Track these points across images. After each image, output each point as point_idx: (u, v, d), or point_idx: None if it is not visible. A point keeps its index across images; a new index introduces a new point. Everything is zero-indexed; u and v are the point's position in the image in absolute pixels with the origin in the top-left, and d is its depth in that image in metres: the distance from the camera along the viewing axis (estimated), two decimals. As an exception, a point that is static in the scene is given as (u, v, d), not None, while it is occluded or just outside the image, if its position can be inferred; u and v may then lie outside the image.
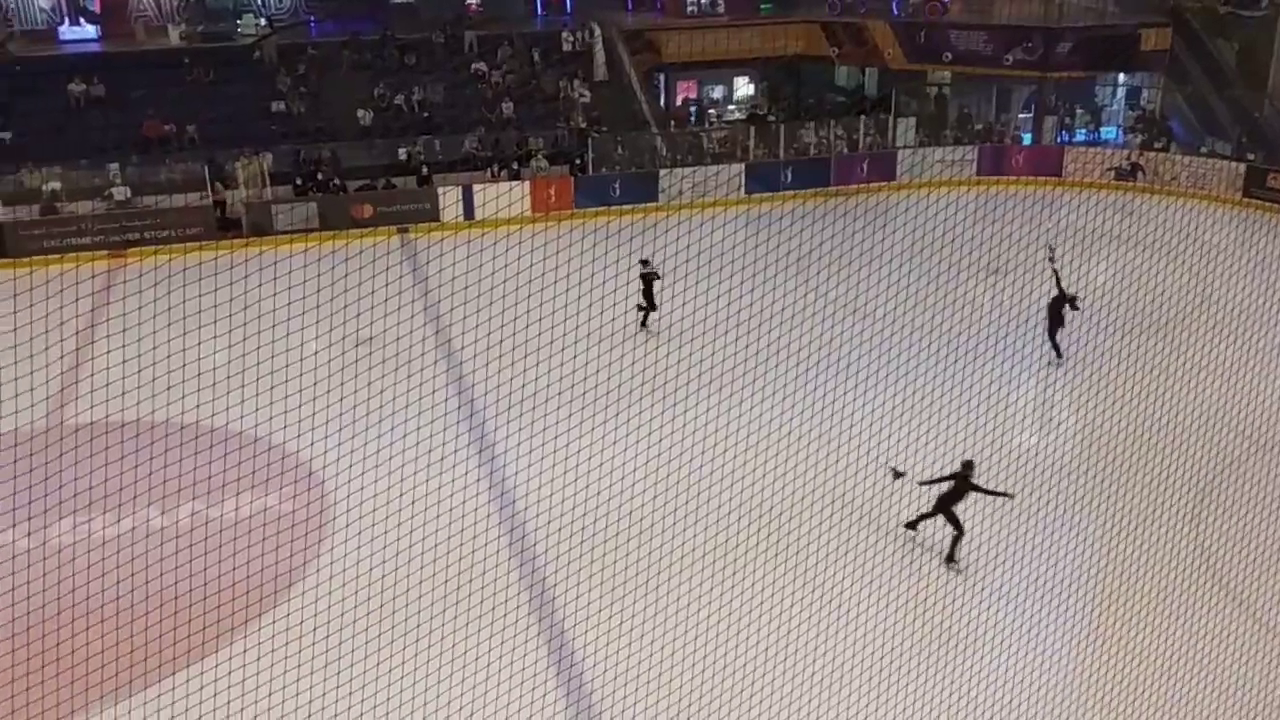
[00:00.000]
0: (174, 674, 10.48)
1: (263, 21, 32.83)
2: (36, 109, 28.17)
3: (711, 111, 34.31)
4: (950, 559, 13.09)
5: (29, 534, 12.81)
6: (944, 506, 13.02)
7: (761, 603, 11.70)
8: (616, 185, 28.56)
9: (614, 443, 14.76)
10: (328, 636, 10.68)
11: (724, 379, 16.91)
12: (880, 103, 32.74)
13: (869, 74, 34.95)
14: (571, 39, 32.38)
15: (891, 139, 31.05)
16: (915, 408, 16.07)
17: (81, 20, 32.31)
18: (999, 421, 15.44)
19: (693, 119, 33.73)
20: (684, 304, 18.87)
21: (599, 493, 13.52)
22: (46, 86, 28.64)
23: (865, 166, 30.18)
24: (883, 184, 29.83)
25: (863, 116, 31.54)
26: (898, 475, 13.21)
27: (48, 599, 10.70)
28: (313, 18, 33.83)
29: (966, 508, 13.05)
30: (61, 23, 32.27)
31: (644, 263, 18.75)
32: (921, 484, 13.25)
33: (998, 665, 11.12)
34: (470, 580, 11.72)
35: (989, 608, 12.18)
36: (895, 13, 33.61)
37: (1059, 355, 18.90)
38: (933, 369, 17.16)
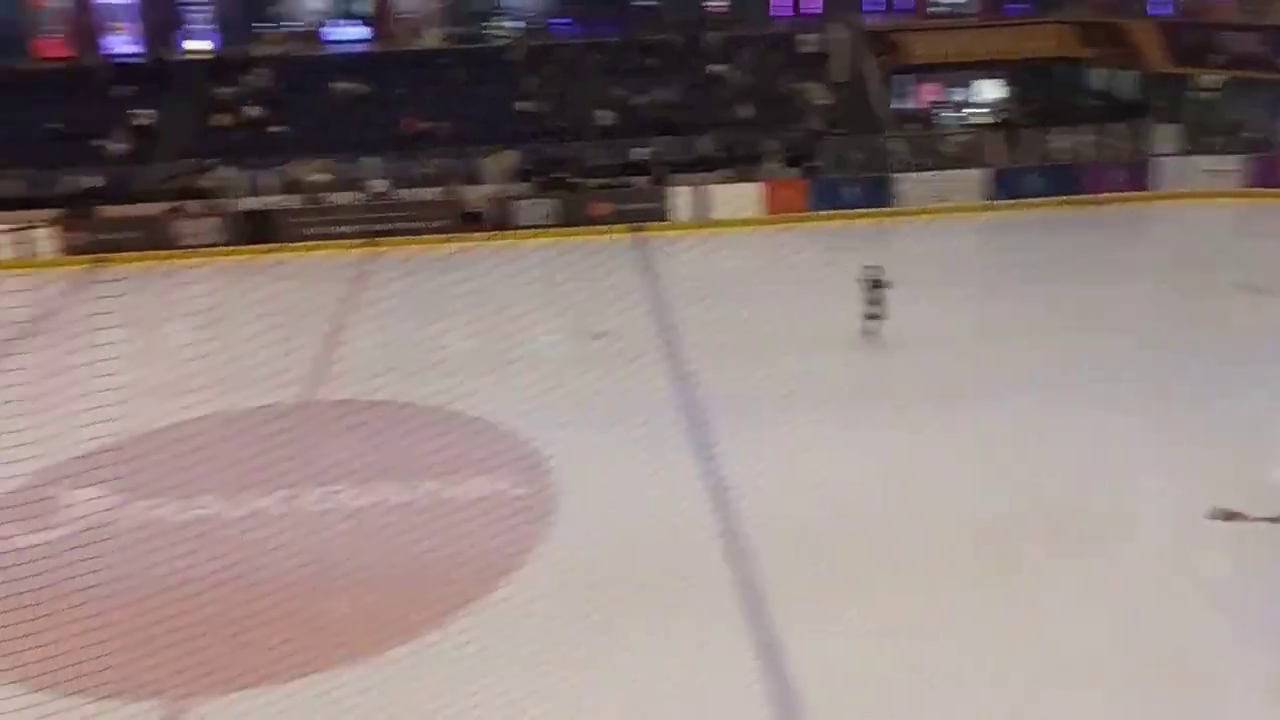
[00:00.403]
0: (404, 643, 11.00)
1: (515, 24, 34.15)
2: (307, 105, 30.27)
3: (954, 114, 33.29)
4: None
5: (284, 500, 13.73)
6: None
7: (978, 620, 11.25)
8: (851, 189, 28.14)
9: (836, 450, 14.55)
10: (547, 619, 10.99)
11: (953, 391, 16.38)
12: (1138, 107, 30.94)
13: (1126, 77, 33.05)
14: (810, 40, 32.12)
15: (1150, 146, 29.28)
16: (1157, 431, 15.09)
17: (350, 22, 34.49)
18: (1260, 452, 14.31)
19: (934, 122, 32.83)
20: (916, 312, 18.41)
21: (818, 499, 13.37)
22: (319, 83, 30.74)
23: (1119, 174, 28.58)
24: (1138, 193, 28.16)
25: (1120, 122, 29.87)
26: (1229, 517, 11.63)
27: (295, 561, 11.49)
28: (560, 20, 34.92)
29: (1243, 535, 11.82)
30: (332, 23, 34.53)
31: (873, 269, 18.38)
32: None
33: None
34: (683, 577, 11.81)
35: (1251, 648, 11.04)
36: (1161, 12, 31.67)
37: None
38: (1182, 391, 16.09)
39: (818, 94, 30.62)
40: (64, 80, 31.03)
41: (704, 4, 34.34)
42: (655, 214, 27.64)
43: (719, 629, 11.08)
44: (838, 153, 28.85)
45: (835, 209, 27.49)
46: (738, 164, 28.71)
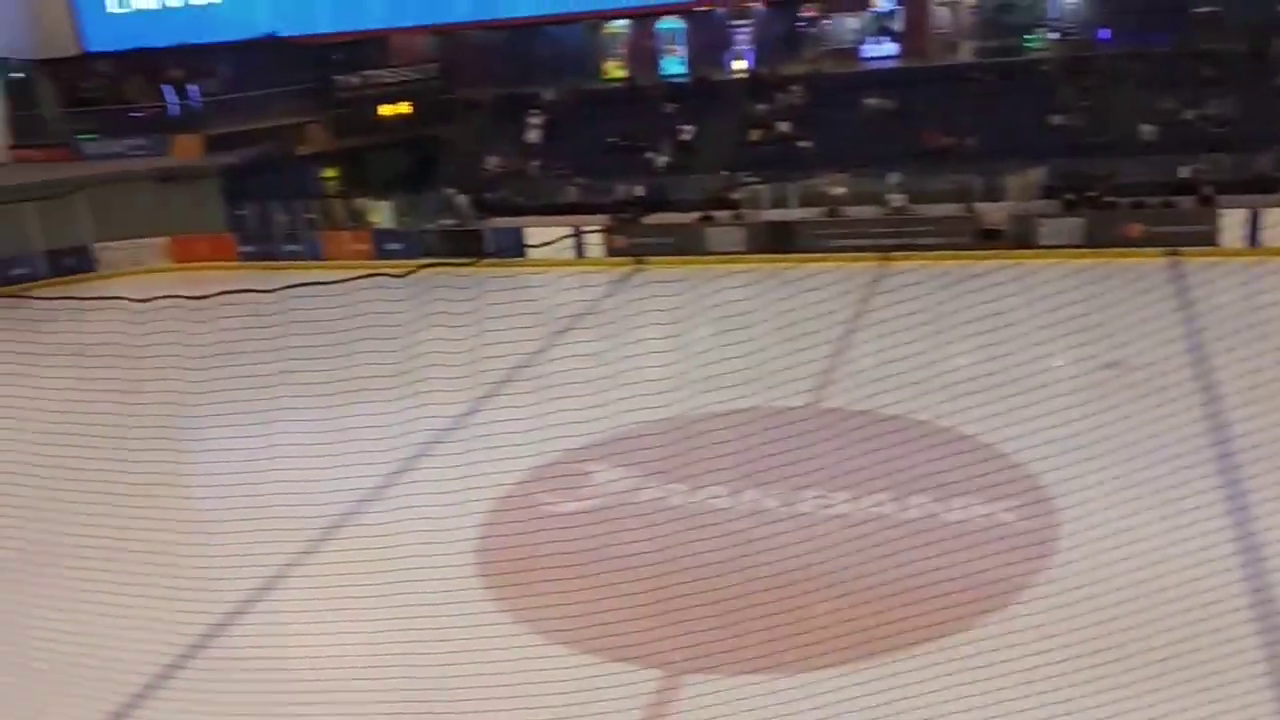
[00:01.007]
0: (874, 655, 11.09)
1: (1053, 35, 32.78)
2: (835, 120, 31.18)
3: None
4: None
5: (777, 496, 14.37)
6: None
7: None
8: None
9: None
10: (1035, 662, 10.55)
11: None
12: None
13: None
14: None
15: None
16: None
17: (884, 39, 35.00)
18: None
19: None
20: None
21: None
22: (846, 99, 31.56)
23: None
24: None
25: None
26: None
27: (788, 560, 12.00)
28: (1104, 30, 32.97)
29: None
30: (866, 42, 35.25)
31: None
32: None
33: None
34: (1202, 637, 10.77)
35: None
36: None
37: None
38: None
39: None
40: (624, 97, 34.60)
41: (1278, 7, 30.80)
42: (1198, 237, 25.26)
43: (1238, 703, 9.99)
44: None
45: None
46: (1304, 185, 25.46)
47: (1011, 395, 14.46)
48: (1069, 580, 12.00)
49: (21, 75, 37.12)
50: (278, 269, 30.99)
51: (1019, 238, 26.39)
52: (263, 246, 32.79)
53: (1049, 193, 27.41)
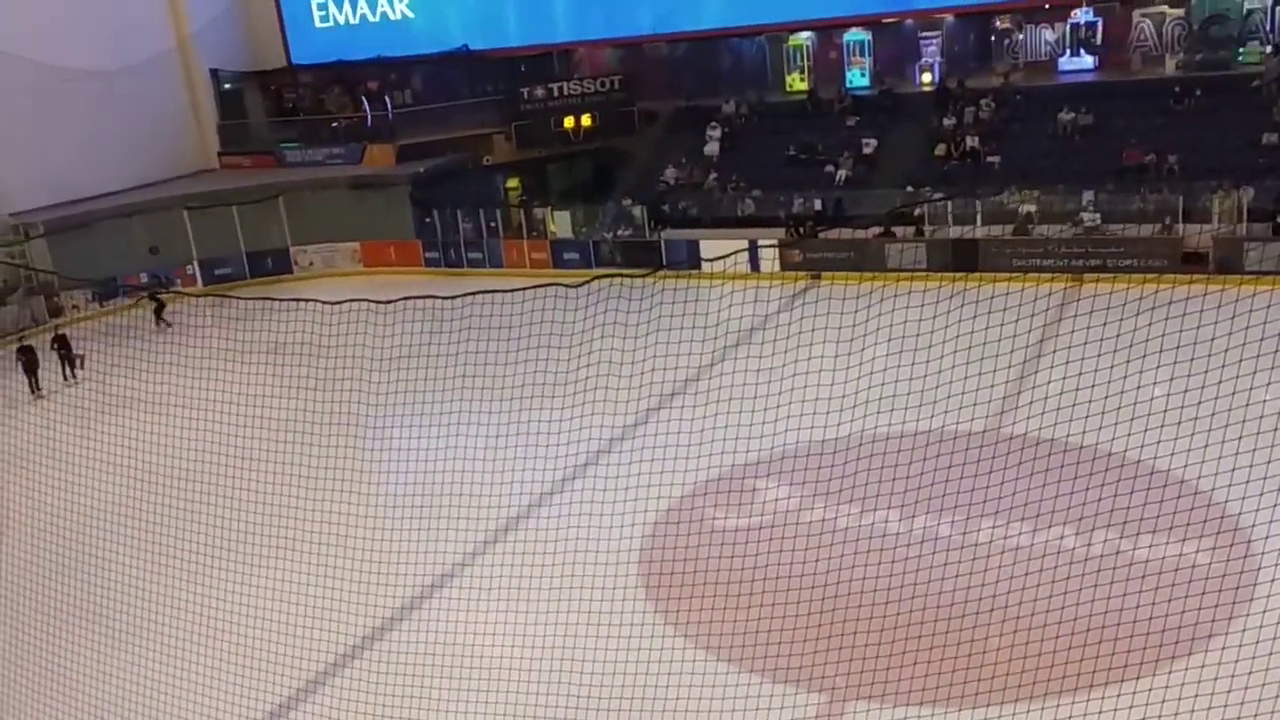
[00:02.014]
0: (1048, 695, 10.58)
1: (1268, 49, 30.82)
2: (1027, 135, 30.10)
3: None
4: None
5: (952, 524, 13.90)
6: None
7: None
8: None
9: None
10: (1224, 707, 9.87)
11: None
12: None
13: None
14: None
15: None
16: None
17: (1082, 51, 33.60)
18: None
19: None
20: None
21: None
22: (1040, 114, 30.44)
23: None
24: None
25: None
26: None
27: (960, 590, 11.58)
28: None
29: None
30: (1063, 54, 33.91)
31: None
32: None
33: None
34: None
35: None
36: None
37: None
38: None
39: None
40: (804, 111, 34.32)
41: None
42: None
43: None
44: None
45: None
46: None
47: (1210, 429, 13.63)
48: (1266, 629, 11.18)
49: (232, 86, 39.43)
50: (460, 276, 31.94)
51: (1223, 262, 24.85)
52: (446, 254, 33.86)
53: (1258, 215, 25.72)
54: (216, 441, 15.92)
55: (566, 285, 9.99)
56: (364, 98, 37.41)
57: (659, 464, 12.36)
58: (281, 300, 10.93)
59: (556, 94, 36.17)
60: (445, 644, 11.37)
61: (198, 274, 33.97)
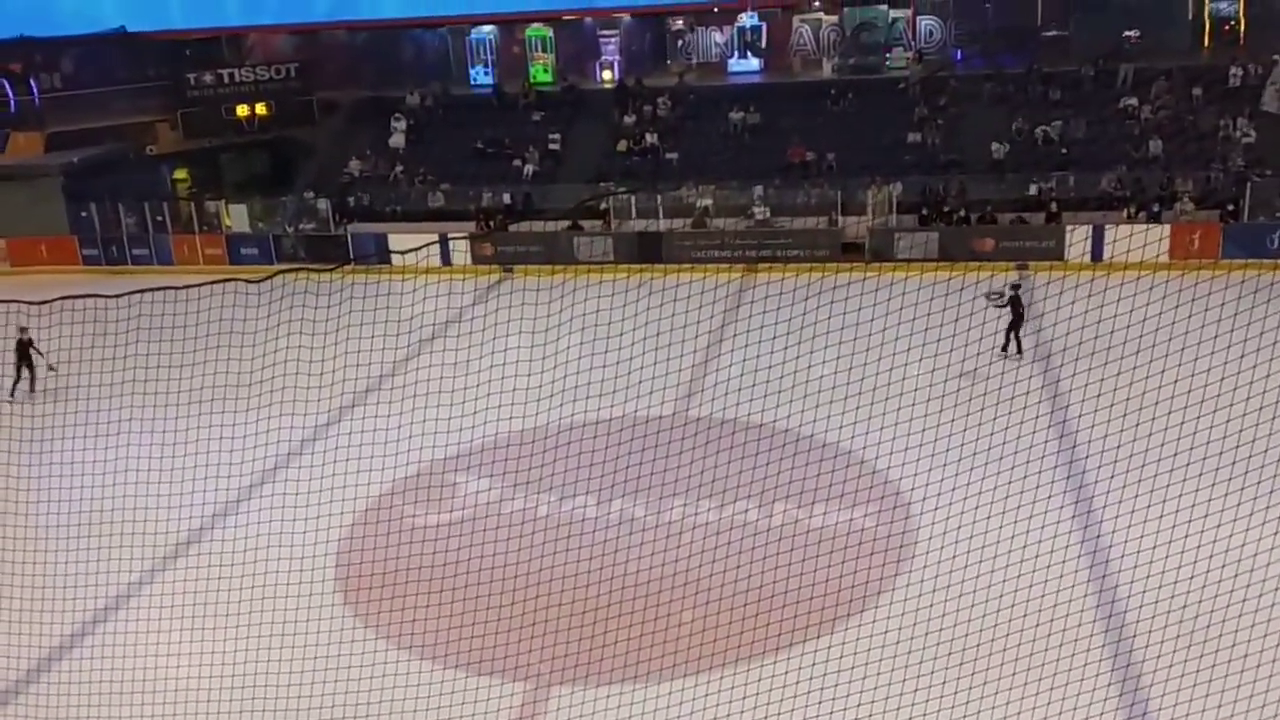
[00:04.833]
0: (739, 661, 11.18)
1: (911, 55, 33.83)
2: (701, 133, 31.53)
3: None
4: None
5: (646, 505, 14.38)
6: None
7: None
8: (1275, 237, 25.48)
9: (1234, 518, 13.22)
10: (894, 658, 10.78)
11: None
12: None
13: None
14: (1240, 72, 29.40)
15: None
16: None
17: (749, 53, 35.55)
18: None
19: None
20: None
21: (1210, 573, 12.20)
22: (713, 113, 31.94)
23: None
24: None
25: None
26: None
27: (655, 568, 11.99)
28: (959, 51, 34.21)
29: None
30: (731, 56, 35.74)
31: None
32: None
33: None
34: (1047, 636, 11.16)
35: None
36: None
37: None
38: None
39: (1243, 131, 27.99)
40: (491, 104, 34.34)
41: (1124, 33, 32.36)
42: (1045, 252, 26.36)
43: (1081, 699, 10.38)
44: (1261, 195, 26.20)
45: (1254, 258, 24.99)
46: (1143, 204, 26.79)
47: (871, 404, 14.82)
48: (926, 583, 12.31)
49: None
50: (124, 274, 29.69)
51: (878, 251, 27.10)
52: (107, 251, 31.37)
53: (905, 208, 28.24)
54: None
55: (246, 281, 9.48)
56: (5, 80, 33.96)
57: (354, 464, 12.03)
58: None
59: (227, 80, 34.35)
60: (123, 670, 10.55)
61: None
